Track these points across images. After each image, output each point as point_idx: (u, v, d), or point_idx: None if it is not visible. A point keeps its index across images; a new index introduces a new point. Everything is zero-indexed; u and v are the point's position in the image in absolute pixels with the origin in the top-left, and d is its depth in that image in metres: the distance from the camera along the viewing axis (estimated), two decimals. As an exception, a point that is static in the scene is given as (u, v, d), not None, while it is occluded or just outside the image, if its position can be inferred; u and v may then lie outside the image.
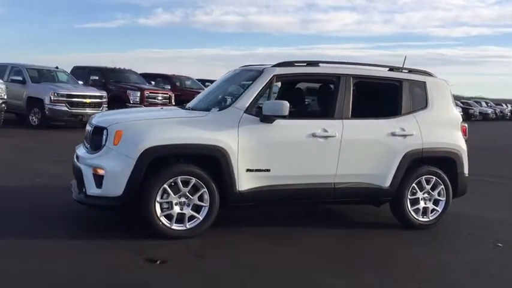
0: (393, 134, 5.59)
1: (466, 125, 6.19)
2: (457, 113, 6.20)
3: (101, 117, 5.43)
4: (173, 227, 4.84)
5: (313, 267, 4.45)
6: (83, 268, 4.07)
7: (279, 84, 6.12)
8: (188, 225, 4.90)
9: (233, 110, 5.11)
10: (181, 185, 4.84)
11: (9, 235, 4.71)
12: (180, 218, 4.88)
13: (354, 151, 5.45)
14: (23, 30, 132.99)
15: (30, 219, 5.24)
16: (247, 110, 5.10)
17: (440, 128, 5.89)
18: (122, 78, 18.04)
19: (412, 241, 5.43)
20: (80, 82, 16.09)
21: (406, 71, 6.00)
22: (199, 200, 4.92)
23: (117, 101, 15.95)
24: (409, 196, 5.71)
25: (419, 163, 5.77)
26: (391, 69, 5.98)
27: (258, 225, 5.61)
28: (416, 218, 5.77)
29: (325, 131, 5.32)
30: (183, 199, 4.88)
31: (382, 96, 6.04)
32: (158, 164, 4.80)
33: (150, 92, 16.74)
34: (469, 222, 6.28)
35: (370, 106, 5.79)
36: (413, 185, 5.72)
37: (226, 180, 4.95)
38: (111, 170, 4.73)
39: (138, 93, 16.47)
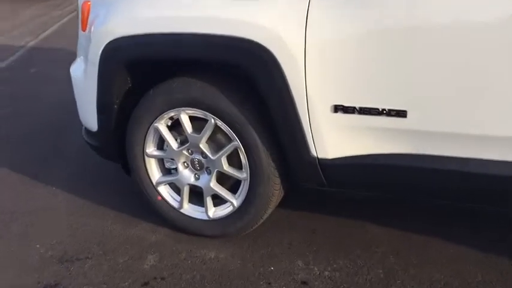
0: None
1: None
2: None
3: None
4: (183, 211, 2.31)
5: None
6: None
7: None
8: (211, 214, 2.26)
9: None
10: (187, 128, 2.16)
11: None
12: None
13: None
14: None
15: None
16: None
17: None
18: None
19: None
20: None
21: None
22: (230, 165, 2.15)
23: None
24: None
25: None
26: None
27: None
28: None
29: None
30: (197, 156, 2.22)
31: None
32: (154, 79, 2.22)
33: None
34: None
35: None
36: None
37: (281, 127, 1.96)
38: (75, 80, 2.45)
39: None
